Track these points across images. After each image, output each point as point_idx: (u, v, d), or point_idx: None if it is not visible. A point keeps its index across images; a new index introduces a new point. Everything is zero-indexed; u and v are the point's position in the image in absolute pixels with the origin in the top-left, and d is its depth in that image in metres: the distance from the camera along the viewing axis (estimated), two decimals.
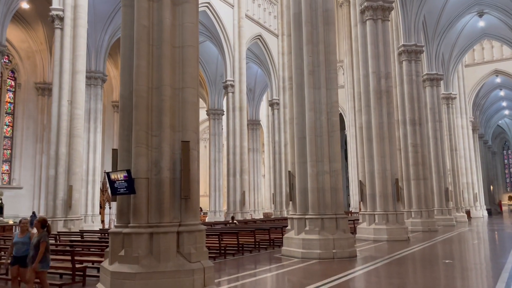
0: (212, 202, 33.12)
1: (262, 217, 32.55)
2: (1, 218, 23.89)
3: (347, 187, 39.04)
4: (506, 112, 51.53)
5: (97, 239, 12.82)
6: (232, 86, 27.69)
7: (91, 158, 23.16)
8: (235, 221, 19.82)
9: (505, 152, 61.15)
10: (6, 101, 27.08)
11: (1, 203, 24.60)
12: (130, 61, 6.70)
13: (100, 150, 23.84)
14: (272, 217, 30.66)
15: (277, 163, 33.41)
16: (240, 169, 26.86)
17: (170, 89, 6.58)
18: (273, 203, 34.51)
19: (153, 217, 6.25)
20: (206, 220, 30.38)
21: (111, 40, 25.29)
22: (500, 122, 56.19)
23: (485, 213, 40.68)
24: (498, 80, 40.68)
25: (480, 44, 37.61)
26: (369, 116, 16.93)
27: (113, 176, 6.34)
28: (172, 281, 5.95)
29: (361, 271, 9.22)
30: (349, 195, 39.24)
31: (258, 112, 39.72)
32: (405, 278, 8.68)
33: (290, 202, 12.31)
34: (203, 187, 43.51)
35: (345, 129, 38.16)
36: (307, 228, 11.37)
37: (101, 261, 7.58)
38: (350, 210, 36.43)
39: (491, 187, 56.59)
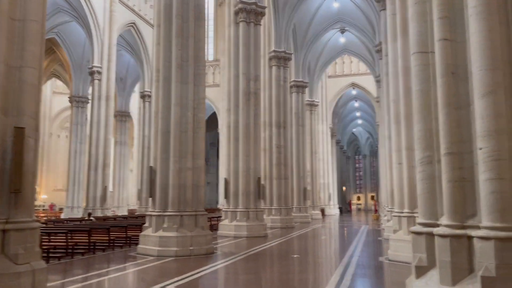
0: (70, 198, 30.51)
1: (126, 214, 31.06)
2: None
3: (217, 184, 39.67)
4: (359, 121, 57.99)
5: None
6: (99, 73, 25.82)
7: None
8: (91, 218, 18.45)
9: (356, 157, 68.68)
10: None
11: None
12: None
13: None
14: (137, 214, 29.45)
15: (145, 158, 32.21)
16: (103, 163, 25.16)
17: (4, 67, 5.68)
18: (138, 200, 33.25)
19: None
20: (62, 217, 27.87)
21: None
22: (354, 130, 63.05)
23: (337, 211, 45.15)
24: (354, 92, 45.49)
25: (341, 58, 41.56)
26: (237, 116, 17.31)
27: None
28: None
29: (215, 267, 9.28)
30: (218, 192, 39.93)
31: (128, 104, 37.93)
32: (254, 273, 8.97)
33: (150, 199, 11.86)
34: (62, 181, 40.05)
35: (218, 127, 38.74)
36: (165, 225, 11.07)
37: None
38: (218, 207, 37.07)
39: (344, 188, 63.14)
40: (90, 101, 28.06)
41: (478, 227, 4.07)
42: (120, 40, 30.96)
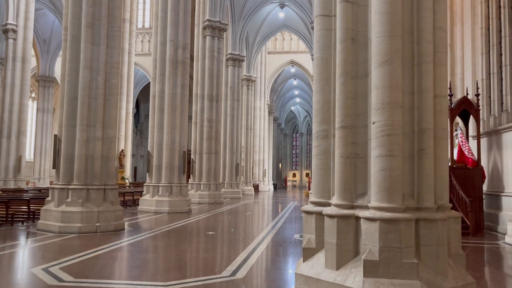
0: None
1: (48, 186, 29.06)
2: None
3: (142, 156, 38.36)
4: (298, 100, 58.52)
5: None
6: (14, 31, 23.43)
7: None
8: None
9: (294, 135, 69.67)
10: None
11: None
12: None
13: None
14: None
15: None
16: (17, 130, 23.12)
17: None
18: None
19: None
20: None
21: None
22: (292, 108, 63.64)
23: (271, 188, 45.65)
24: (293, 70, 45.56)
25: (282, 34, 41.22)
26: (163, 85, 16.37)
27: None
28: None
29: (118, 245, 8.61)
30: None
31: (53, 68, 35.14)
32: (157, 251, 8.42)
33: (54, 170, 10.81)
34: None
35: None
36: (68, 200, 10.14)
37: None
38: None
39: (280, 165, 64.03)
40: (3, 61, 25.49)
41: (367, 207, 3.77)
42: None
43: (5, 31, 23.55)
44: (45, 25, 32.79)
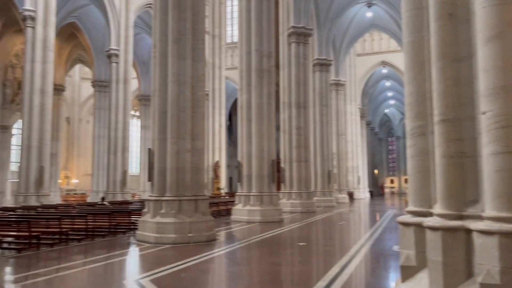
0: (95, 182, 30.80)
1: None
2: None
3: (236, 167, 39.06)
4: (392, 102, 55.61)
5: None
6: (117, 55, 25.49)
7: None
8: (104, 202, 18.22)
9: (389, 139, 66.29)
10: None
11: None
12: None
13: None
14: None
15: None
16: (122, 147, 24.99)
17: None
18: None
19: None
20: (88, 201, 28.14)
21: None
22: (386, 111, 60.66)
23: (367, 195, 43.67)
24: (385, 71, 43.39)
25: (371, 35, 39.56)
26: (249, 96, 16.41)
27: None
28: None
29: (208, 256, 8.55)
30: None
31: (151, 87, 37.60)
32: (247, 263, 8.18)
33: (150, 183, 11.25)
34: (86, 165, 40.56)
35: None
36: (163, 211, 10.43)
37: None
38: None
39: (376, 171, 61.20)
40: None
41: (480, 218, 3.06)
42: (140, 22, 30.52)
43: (109, 56, 25.75)
44: (143, 48, 35.27)
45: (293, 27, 22.14)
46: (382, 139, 65.36)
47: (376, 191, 55.73)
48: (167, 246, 9.75)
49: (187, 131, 10.75)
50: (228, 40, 40.06)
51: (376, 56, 40.92)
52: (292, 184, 21.36)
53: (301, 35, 22.27)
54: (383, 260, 8.28)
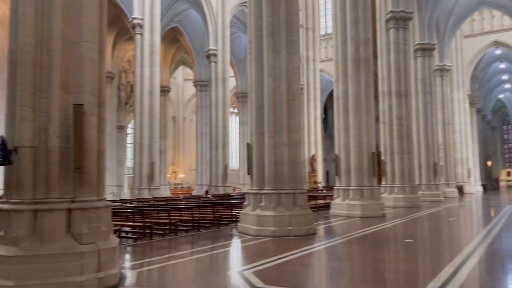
0: (199, 176, 32.57)
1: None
2: None
3: (333, 161, 38.34)
4: (507, 86, 50.03)
5: None
6: (215, 55, 26.54)
7: None
8: (208, 195, 19.11)
9: (505, 127, 59.82)
10: None
11: None
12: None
13: None
14: None
15: None
16: (222, 143, 26.02)
17: (61, 43, 5.61)
18: None
19: (40, 191, 5.41)
20: (193, 194, 29.85)
21: None
22: (500, 96, 54.69)
23: (479, 189, 39.93)
24: (498, 52, 39.12)
25: (480, 13, 35.95)
26: (346, 86, 15.92)
27: None
28: (55, 266, 5.15)
29: (308, 250, 8.44)
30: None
31: (249, 85, 38.54)
32: (350, 259, 7.90)
33: (249, 177, 11.49)
34: (190, 161, 42.98)
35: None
36: (262, 204, 10.58)
37: None
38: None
39: (489, 163, 55.64)
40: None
41: None
42: (235, 21, 31.42)
43: (208, 56, 26.93)
44: (239, 47, 36.27)
45: (391, 11, 20.95)
46: (496, 127, 59.18)
47: (490, 184, 50.67)
48: (267, 238, 9.86)
49: (284, 125, 10.75)
50: (322, 32, 39.39)
51: (487, 36, 37.02)
52: (394, 178, 20.33)
53: (400, 20, 21.00)
54: (505, 262, 7.42)
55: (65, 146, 5.55)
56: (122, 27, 31.18)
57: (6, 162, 5.33)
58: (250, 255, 8.32)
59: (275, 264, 7.07)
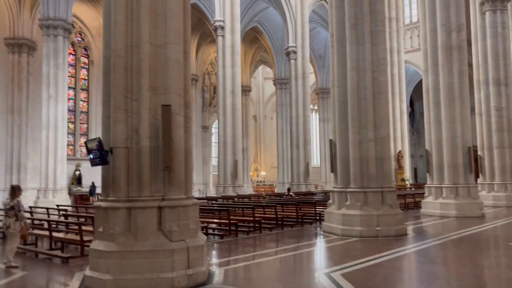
0: (281, 174, 32.66)
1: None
2: (80, 188, 25.71)
3: (420, 157, 36.12)
4: None
5: None
6: (295, 52, 26.34)
7: None
8: (291, 193, 19.02)
9: None
10: (81, 78, 28.64)
11: (80, 174, 26.40)
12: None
13: None
14: None
15: None
16: (303, 140, 25.75)
17: (149, 46, 5.82)
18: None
19: (133, 190, 5.66)
20: (275, 191, 30.01)
21: None
22: None
23: None
24: None
25: None
26: (436, 76, 14.82)
27: (89, 146, 5.86)
28: (148, 262, 5.35)
29: (400, 252, 7.94)
30: None
31: (329, 81, 37.75)
32: (446, 264, 7.25)
33: (332, 174, 11.16)
34: (272, 158, 43.25)
35: None
36: (348, 203, 10.19)
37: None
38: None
39: None
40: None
41: None
42: (314, 16, 30.95)
43: (287, 54, 26.83)
44: (319, 42, 35.69)
45: None
46: None
47: None
48: (354, 239, 9.48)
49: (369, 120, 10.24)
50: (407, 21, 37.31)
51: None
52: (493, 174, 18.59)
53: (497, 1, 19.08)
54: None
55: (155, 146, 5.76)
56: (204, 30, 32.27)
57: (104, 162, 5.65)
58: (337, 256, 8.04)
59: (365, 266, 6.73)
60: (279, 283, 6.03)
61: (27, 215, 10.36)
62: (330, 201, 11.04)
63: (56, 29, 21.27)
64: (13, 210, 7.18)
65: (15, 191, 7.34)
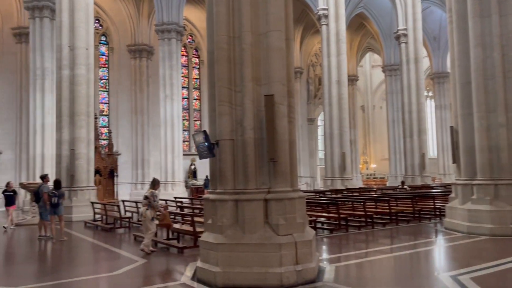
0: (392, 166, 30.97)
1: (452, 182, 28.58)
2: (195, 181, 27.33)
3: None
4: None
5: None
6: (405, 35, 24.48)
7: None
8: (405, 186, 17.73)
9: None
10: (193, 78, 30.32)
11: (195, 168, 28.05)
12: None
13: None
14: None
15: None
16: (418, 129, 23.87)
17: (251, 36, 5.69)
18: None
19: (239, 182, 5.60)
20: (387, 184, 28.55)
21: None
22: None
23: None
24: None
25: None
26: None
27: (197, 139, 5.94)
28: (256, 255, 5.25)
29: None
30: None
31: (445, 64, 34.56)
32: None
33: (454, 165, 10.03)
34: (382, 150, 41.14)
35: None
36: (474, 197, 9.06)
37: None
38: None
39: None
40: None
41: None
42: None
43: (397, 37, 25.07)
44: (433, 23, 32.82)
45: None
46: None
47: None
48: (483, 237, 8.39)
49: (499, 102, 8.95)
50: None
51: None
52: None
53: None
54: None
55: (259, 138, 5.63)
56: (308, 21, 31.82)
57: (211, 154, 5.70)
58: (463, 257, 7.13)
59: (498, 270, 5.82)
60: (397, 286, 5.48)
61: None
62: (452, 195, 9.95)
63: (170, 32, 22.79)
64: (147, 199, 7.83)
65: (154, 184, 8.09)
